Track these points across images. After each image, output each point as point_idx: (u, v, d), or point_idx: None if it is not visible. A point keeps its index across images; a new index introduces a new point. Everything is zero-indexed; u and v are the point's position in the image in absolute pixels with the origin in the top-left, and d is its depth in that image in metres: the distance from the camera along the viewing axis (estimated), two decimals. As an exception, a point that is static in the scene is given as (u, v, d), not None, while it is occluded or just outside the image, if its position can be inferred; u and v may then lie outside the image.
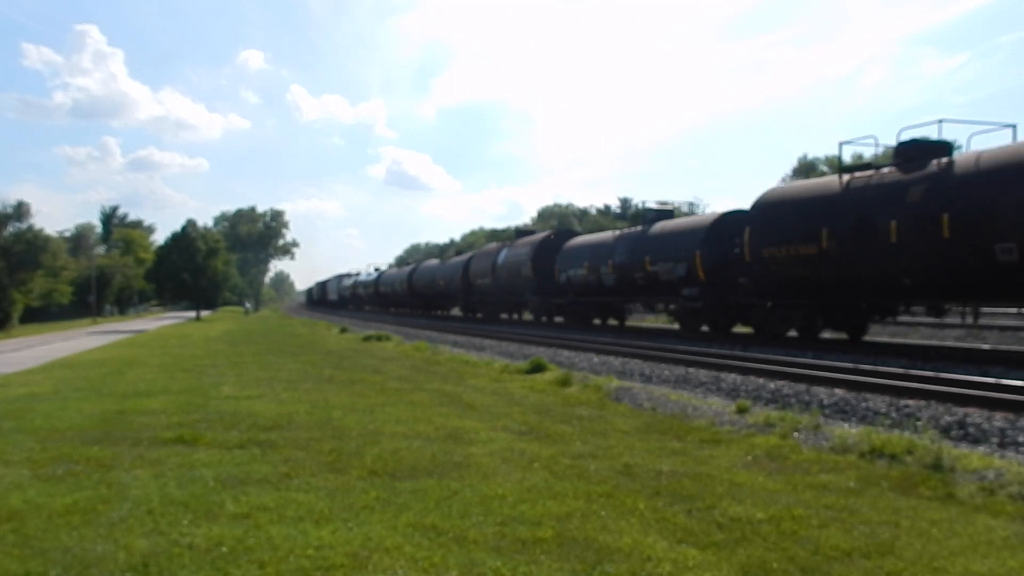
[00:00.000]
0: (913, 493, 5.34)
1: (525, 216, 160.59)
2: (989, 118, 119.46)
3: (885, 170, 15.03)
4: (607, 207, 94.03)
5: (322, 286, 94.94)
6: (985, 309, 20.20)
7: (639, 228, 24.67)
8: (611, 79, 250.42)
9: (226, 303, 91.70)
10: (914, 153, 14.55)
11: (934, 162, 13.96)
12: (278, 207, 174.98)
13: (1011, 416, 7.61)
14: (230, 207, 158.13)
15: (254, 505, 4.96)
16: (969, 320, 20.26)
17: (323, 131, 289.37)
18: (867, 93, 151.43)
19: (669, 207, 26.85)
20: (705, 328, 21.42)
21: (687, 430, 7.75)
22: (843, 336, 17.59)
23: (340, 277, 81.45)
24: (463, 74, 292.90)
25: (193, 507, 4.94)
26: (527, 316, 34.03)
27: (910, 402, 8.61)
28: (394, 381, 12.24)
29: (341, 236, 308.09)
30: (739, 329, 20.86)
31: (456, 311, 44.49)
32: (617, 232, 26.20)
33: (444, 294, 42.88)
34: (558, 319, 30.42)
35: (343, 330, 30.81)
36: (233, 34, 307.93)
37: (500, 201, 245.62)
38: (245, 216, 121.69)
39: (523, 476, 5.75)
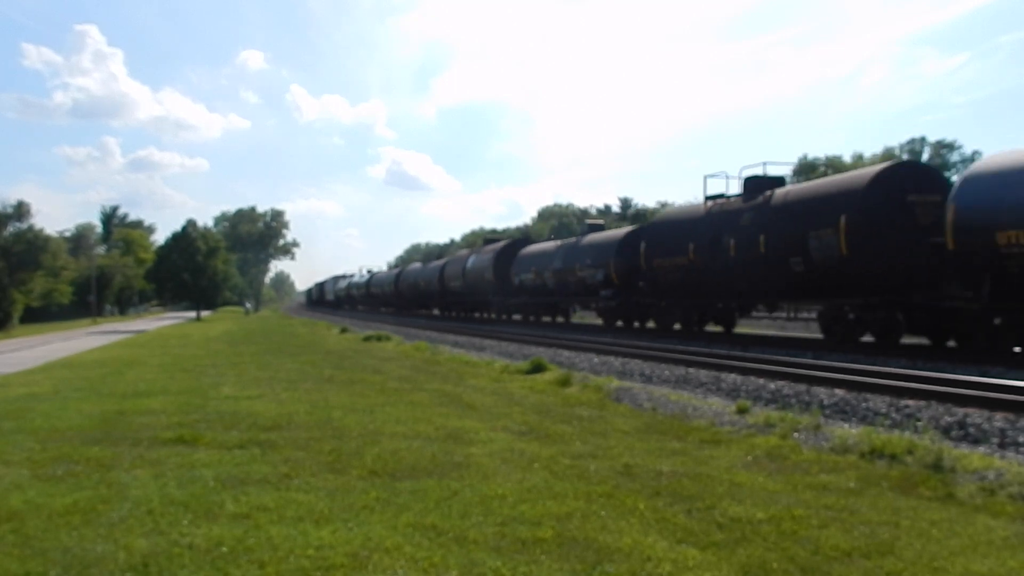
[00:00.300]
0: (913, 493, 5.34)
1: (525, 216, 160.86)
2: (989, 118, 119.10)
3: (732, 199, 19.72)
4: (607, 207, 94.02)
5: (320, 287, 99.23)
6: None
7: (574, 239, 29.99)
8: (611, 79, 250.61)
9: (226, 303, 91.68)
10: (753, 186, 19.20)
11: (761, 195, 18.46)
12: (278, 207, 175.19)
13: (1011, 416, 7.60)
14: (230, 207, 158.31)
15: (254, 505, 4.97)
16: (792, 315, 27.65)
17: (323, 131, 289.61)
18: (867, 93, 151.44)
19: (599, 221, 33.76)
20: (620, 323, 26.53)
21: (687, 430, 7.75)
22: (720, 329, 22.17)
23: (336, 278, 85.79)
24: (463, 74, 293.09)
25: (193, 507, 4.94)
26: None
27: (910, 402, 8.61)
28: (394, 381, 12.24)
29: (341, 236, 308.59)
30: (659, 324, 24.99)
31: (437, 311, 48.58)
32: (559, 242, 31.44)
33: (425, 295, 46.83)
34: (516, 317, 35.46)
35: (343, 330, 30.81)
36: (233, 34, 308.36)
37: (500, 201, 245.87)
38: (245, 216, 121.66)
39: (523, 476, 5.75)
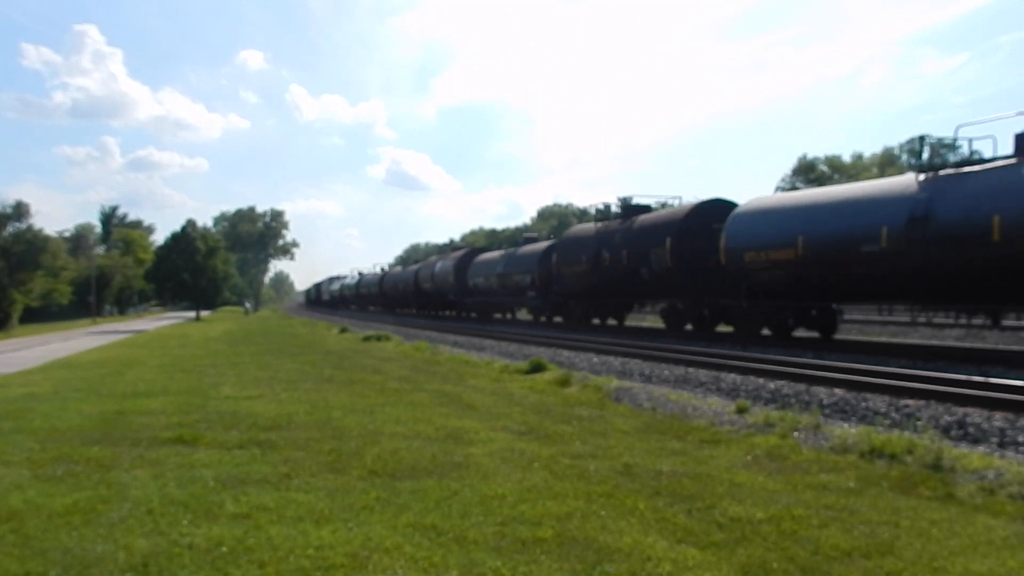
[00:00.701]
0: (913, 493, 5.34)
1: (525, 216, 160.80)
2: (989, 118, 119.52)
3: (612, 222, 25.77)
4: (607, 207, 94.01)
5: (317, 287, 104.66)
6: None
7: (514, 249, 35.45)
8: (611, 79, 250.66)
9: (226, 303, 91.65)
10: (627, 212, 25.59)
11: (629, 220, 24.63)
12: (278, 207, 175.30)
13: (1011, 416, 7.61)
14: (230, 207, 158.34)
15: (254, 505, 4.97)
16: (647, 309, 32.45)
17: (323, 131, 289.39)
18: (867, 93, 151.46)
19: (534, 234, 41.33)
20: (543, 318, 32.80)
21: (687, 430, 7.75)
22: (614, 322, 27.94)
23: (331, 280, 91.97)
24: (463, 74, 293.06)
25: (193, 507, 4.94)
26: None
27: (910, 402, 8.61)
28: (394, 381, 12.24)
29: (341, 236, 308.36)
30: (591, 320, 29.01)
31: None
32: (503, 251, 37.25)
33: (404, 295, 52.76)
34: (473, 315, 40.18)
35: (343, 330, 30.81)
36: (233, 34, 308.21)
37: (500, 201, 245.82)
38: (245, 216, 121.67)
39: (523, 476, 5.76)
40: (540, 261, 30.61)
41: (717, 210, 20.64)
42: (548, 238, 39.62)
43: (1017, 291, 12.50)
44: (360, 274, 71.86)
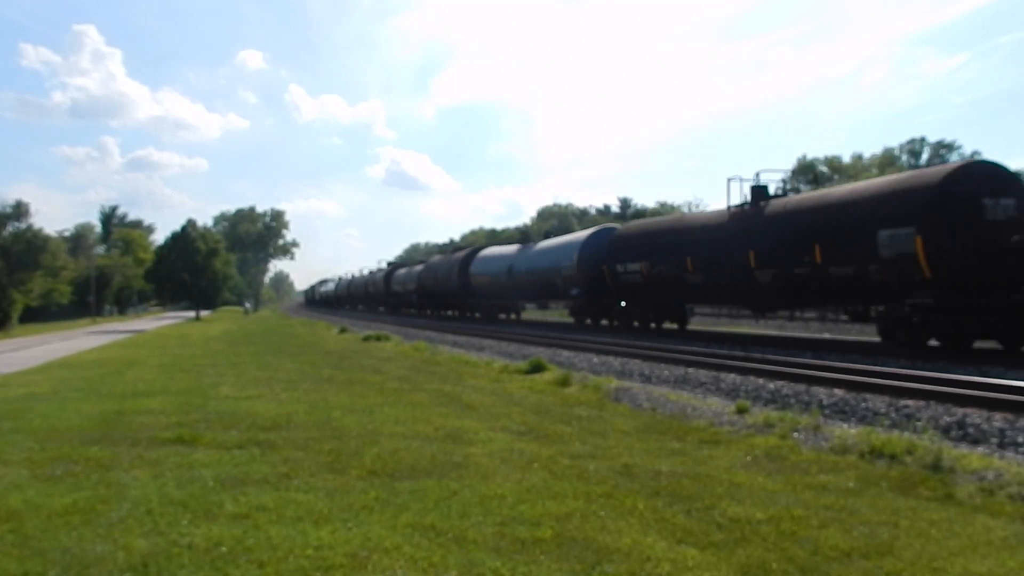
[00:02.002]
0: (913, 493, 5.34)
1: (525, 216, 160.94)
2: (989, 118, 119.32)
3: (516, 245, 34.49)
4: (607, 207, 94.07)
5: (313, 288, 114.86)
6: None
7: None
8: (611, 79, 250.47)
9: (225, 303, 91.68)
10: (524, 238, 36.22)
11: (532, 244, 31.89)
12: (278, 207, 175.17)
13: (1010, 416, 7.61)
14: (229, 207, 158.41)
15: (253, 505, 4.96)
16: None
17: (322, 131, 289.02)
18: (867, 93, 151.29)
19: (477, 246, 44.18)
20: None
21: (687, 430, 7.75)
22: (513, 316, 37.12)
23: (323, 281, 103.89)
24: (462, 74, 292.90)
25: (192, 507, 4.94)
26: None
27: (910, 402, 8.61)
28: (393, 381, 12.24)
29: (341, 236, 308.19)
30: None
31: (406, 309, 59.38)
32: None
33: (374, 296, 61.76)
34: (429, 311, 47.42)
35: (342, 330, 30.80)
36: (232, 34, 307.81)
37: (500, 201, 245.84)
38: (245, 216, 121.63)
39: (522, 476, 5.75)
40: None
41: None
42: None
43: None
44: (352, 277, 79.32)
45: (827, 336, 20.22)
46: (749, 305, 19.90)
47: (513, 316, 39.10)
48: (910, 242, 13.67)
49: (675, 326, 24.38)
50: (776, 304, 19.40)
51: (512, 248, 35.26)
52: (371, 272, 65.98)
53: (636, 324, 24.68)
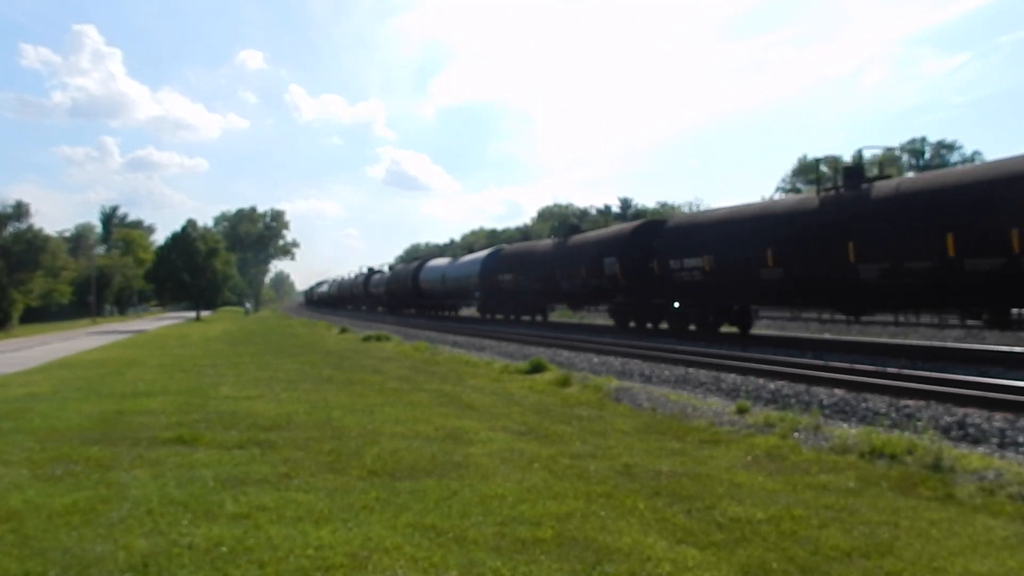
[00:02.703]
0: (913, 493, 5.34)
1: (525, 216, 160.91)
2: (989, 118, 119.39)
3: (448, 258, 43.14)
4: (607, 207, 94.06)
5: (312, 289, 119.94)
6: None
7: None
8: (611, 79, 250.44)
9: (226, 303, 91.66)
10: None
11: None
12: (278, 207, 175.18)
13: (1011, 416, 7.61)
14: (229, 207, 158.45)
15: (254, 505, 4.96)
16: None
17: (322, 131, 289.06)
18: (867, 93, 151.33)
19: (426, 257, 50.24)
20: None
21: (687, 430, 7.75)
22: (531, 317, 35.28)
23: (320, 283, 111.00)
24: (462, 74, 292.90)
25: (192, 507, 4.94)
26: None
27: (910, 402, 8.61)
28: (393, 381, 12.24)
29: (341, 236, 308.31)
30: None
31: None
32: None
33: (357, 296, 68.86)
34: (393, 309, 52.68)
35: (343, 330, 30.80)
36: (232, 34, 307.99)
37: (500, 201, 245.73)
38: (245, 216, 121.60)
39: (523, 476, 5.75)
40: (491, 268, 33.47)
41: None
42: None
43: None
44: (345, 278, 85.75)
45: (827, 336, 20.18)
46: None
47: (452, 313, 46.23)
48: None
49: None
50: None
51: (446, 260, 45.43)
52: (355, 276, 74.47)
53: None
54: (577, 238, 28.73)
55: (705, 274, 19.81)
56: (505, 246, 39.19)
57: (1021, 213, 12.06)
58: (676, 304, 22.26)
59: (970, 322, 17.86)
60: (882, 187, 14.92)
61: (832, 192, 16.25)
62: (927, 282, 13.52)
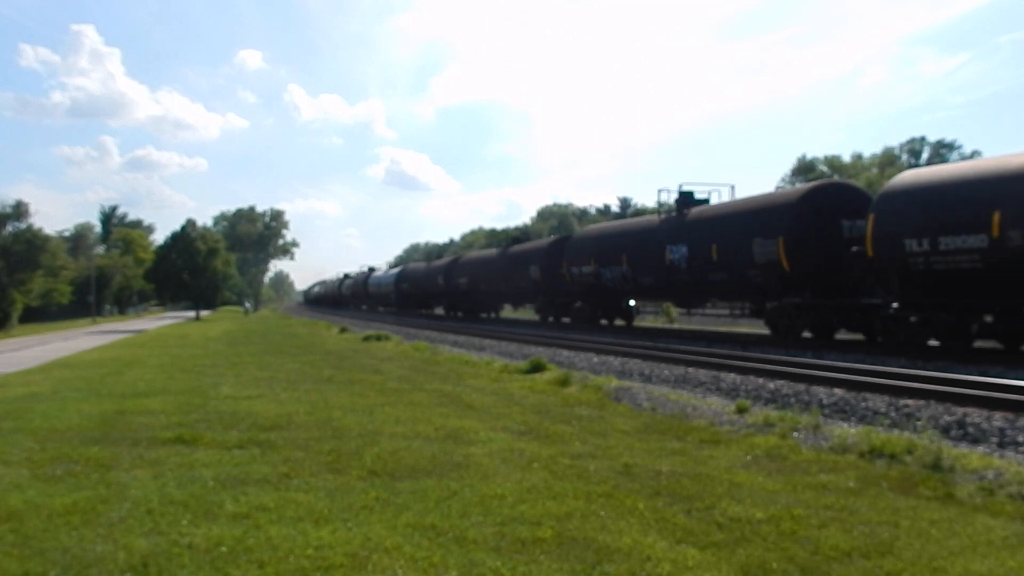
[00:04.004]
0: (913, 493, 5.34)
1: (524, 216, 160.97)
2: (988, 118, 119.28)
3: (398, 268, 57.86)
4: (607, 207, 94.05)
5: (310, 289, 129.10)
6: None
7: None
8: (611, 79, 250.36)
9: (225, 303, 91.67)
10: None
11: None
12: (277, 207, 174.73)
13: (1010, 416, 7.61)
14: (229, 207, 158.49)
15: (254, 505, 4.96)
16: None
17: (321, 131, 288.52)
18: (867, 93, 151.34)
19: (406, 266, 58.32)
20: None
21: (687, 430, 7.75)
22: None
23: (316, 284, 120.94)
24: (462, 74, 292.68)
25: (193, 507, 4.94)
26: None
27: (909, 402, 8.61)
28: (393, 381, 12.24)
29: (341, 236, 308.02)
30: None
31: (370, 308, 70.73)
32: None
33: (342, 296, 78.39)
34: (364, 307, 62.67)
35: (343, 330, 30.80)
36: (231, 33, 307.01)
37: (499, 201, 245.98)
38: (245, 216, 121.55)
39: (523, 476, 5.76)
40: (406, 279, 46.43)
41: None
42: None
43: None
44: (323, 281, 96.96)
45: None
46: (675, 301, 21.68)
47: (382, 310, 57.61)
48: None
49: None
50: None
51: (396, 270, 59.89)
52: (335, 279, 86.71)
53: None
54: (514, 248, 35.15)
55: (593, 277, 24.47)
56: (465, 254, 47.13)
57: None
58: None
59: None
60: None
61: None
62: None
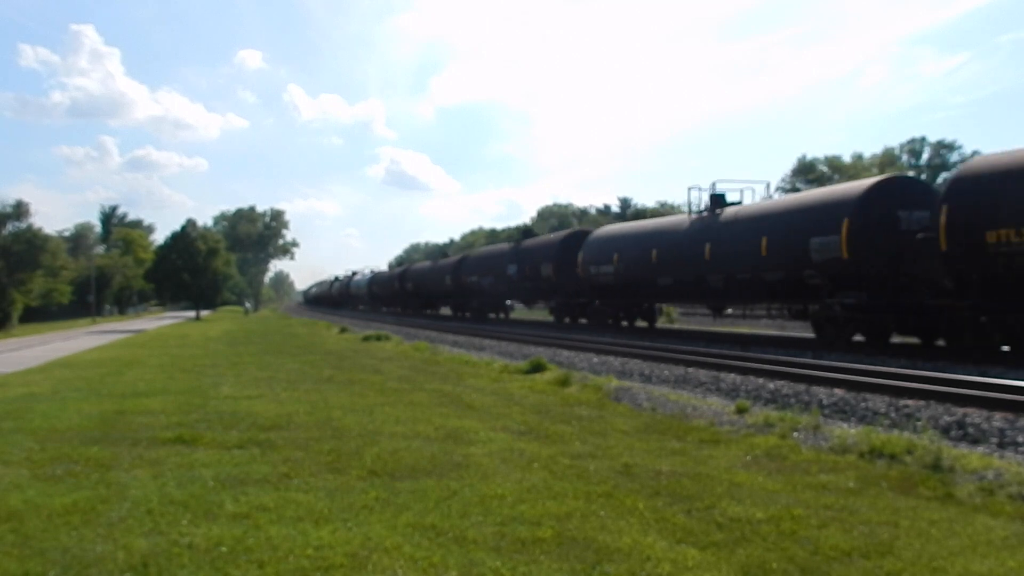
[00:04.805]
0: (912, 493, 5.34)
1: (524, 216, 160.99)
2: (988, 118, 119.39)
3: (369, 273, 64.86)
4: (607, 207, 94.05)
5: (308, 290, 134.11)
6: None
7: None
8: (611, 79, 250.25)
9: (225, 303, 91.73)
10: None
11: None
12: (277, 207, 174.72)
13: (1010, 416, 7.61)
14: (229, 207, 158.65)
15: (253, 505, 4.96)
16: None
17: (321, 131, 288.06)
18: (866, 93, 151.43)
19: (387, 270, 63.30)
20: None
21: (687, 430, 7.75)
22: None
23: (313, 285, 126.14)
24: (461, 74, 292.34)
25: (192, 507, 4.94)
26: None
27: (909, 402, 8.61)
28: (393, 381, 12.24)
29: (340, 236, 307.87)
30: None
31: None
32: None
33: (328, 298, 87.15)
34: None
35: (343, 330, 30.81)
36: (231, 33, 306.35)
37: (499, 201, 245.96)
38: (245, 216, 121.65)
39: (522, 476, 5.76)
40: (377, 284, 56.29)
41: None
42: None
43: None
44: (320, 282, 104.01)
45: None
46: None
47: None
48: None
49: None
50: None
51: (369, 274, 67.08)
52: (326, 281, 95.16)
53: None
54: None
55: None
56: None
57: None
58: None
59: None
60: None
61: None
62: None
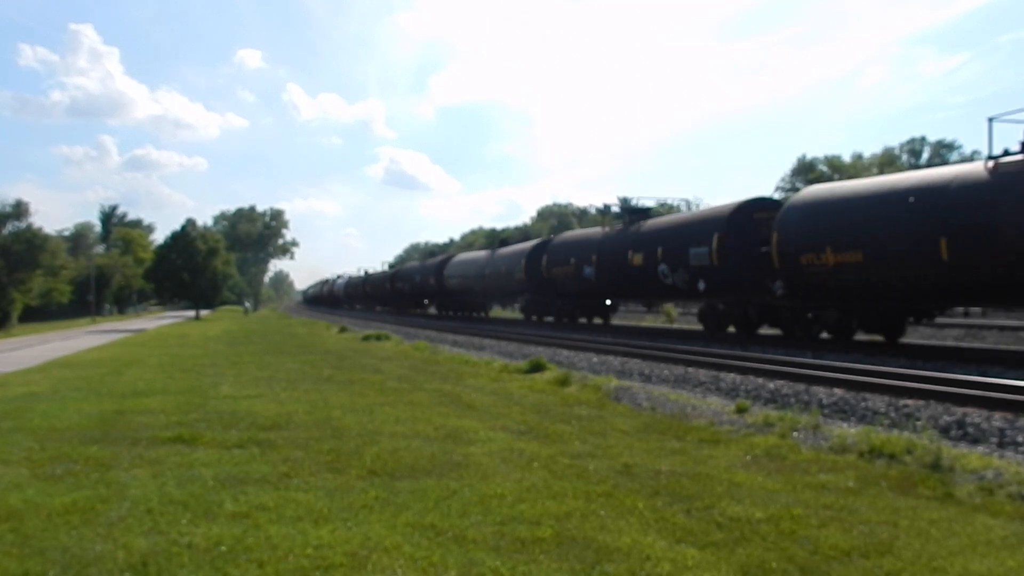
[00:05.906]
0: (912, 493, 5.34)
1: (524, 216, 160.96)
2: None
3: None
4: (607, 207, 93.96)
5: (307, 290, 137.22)
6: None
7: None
8: (610, 79, 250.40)
9: (225, 303, 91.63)
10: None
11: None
12: (277, 207, 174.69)
13: (1010, 416, 7.61)
14: (228, 207, 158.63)
15: (253, 505, 4.96)
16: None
17: (321, 130, 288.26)
18: (866, 93, 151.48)
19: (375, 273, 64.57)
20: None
21: (686, 430, 7.75)
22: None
23: (311, 285, 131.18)
24: (461, 74, 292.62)
25: (192, 507, 4.94)
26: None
27: (909, 402, 8.61)
28: (393, 381, 12.24)
29: (340, 236, 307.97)
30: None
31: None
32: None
33: (325, 298, 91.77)
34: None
35: (342, 330, 30.80)
36: (230, 33, 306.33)
37: (498, 201, 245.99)
38: (245, 216, 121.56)
39: (522, 476, 5.76)
40: (353, 285, 60.54)
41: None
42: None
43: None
44: (318, 282, 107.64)
45: (824, 335, 20.17)
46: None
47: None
48: None
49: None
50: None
51: (345, 278, 75.78)
52: (324, 281, 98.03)
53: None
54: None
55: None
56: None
57: None
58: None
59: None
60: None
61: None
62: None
